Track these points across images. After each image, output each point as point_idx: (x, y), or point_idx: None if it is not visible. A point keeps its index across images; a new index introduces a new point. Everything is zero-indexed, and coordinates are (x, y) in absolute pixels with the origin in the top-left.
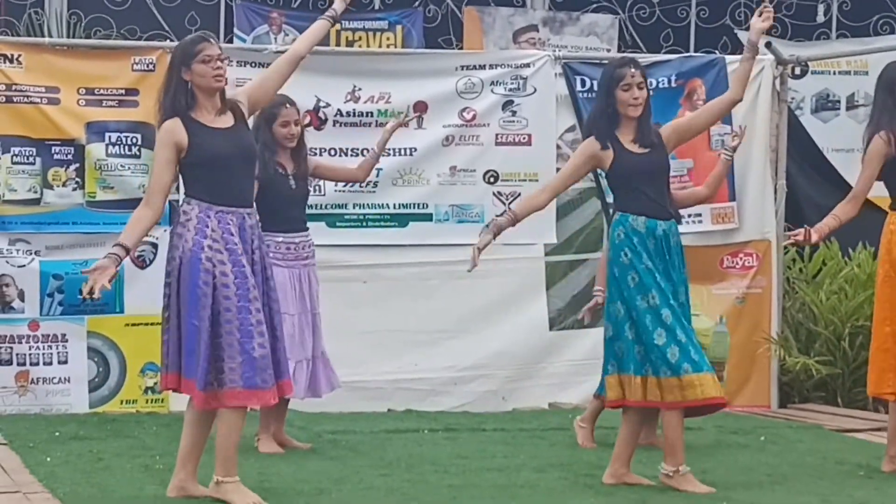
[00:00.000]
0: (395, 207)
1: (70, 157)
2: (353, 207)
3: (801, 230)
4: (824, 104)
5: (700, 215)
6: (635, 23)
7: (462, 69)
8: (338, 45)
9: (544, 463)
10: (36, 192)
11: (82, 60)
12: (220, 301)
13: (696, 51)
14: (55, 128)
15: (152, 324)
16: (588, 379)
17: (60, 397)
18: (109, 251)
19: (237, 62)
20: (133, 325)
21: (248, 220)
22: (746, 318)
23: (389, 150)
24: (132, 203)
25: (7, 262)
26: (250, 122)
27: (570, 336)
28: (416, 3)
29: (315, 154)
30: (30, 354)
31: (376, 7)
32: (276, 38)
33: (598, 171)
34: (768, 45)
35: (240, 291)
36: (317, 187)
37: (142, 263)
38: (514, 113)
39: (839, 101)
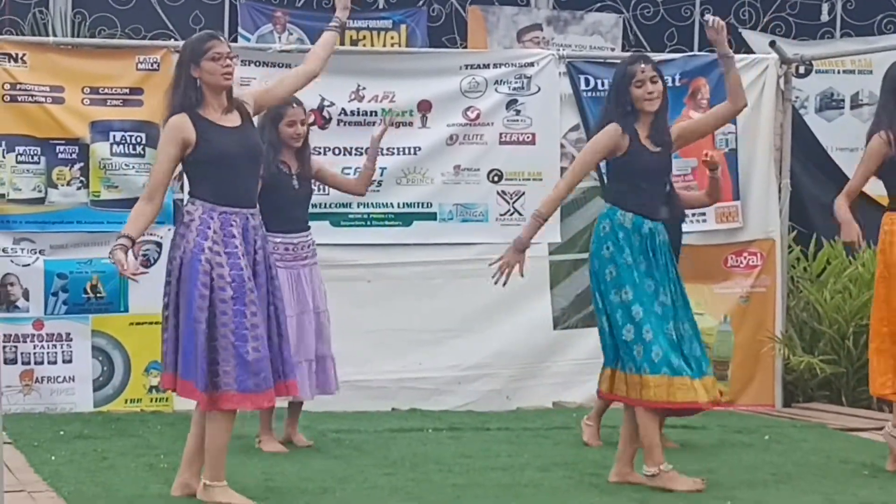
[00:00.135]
0: (399, 206)
1: (74, 156)
2: (358, 206)
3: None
4: (828, 103)
5: (704, 214)
6: (639, 22)
7: (466, 68)
8: (342, 44)
9: (548, 462)
10: (40, 191)
11: (87, 60)
12: (216, 303)
13: (700, 50)
14: (59, 127)
15: (157, 323)
16: (592, 378)
17: (65, 396)
18: (115, 243)
19: (241, 61)
20: (137, 324)
21: (252, 221)
22: (750, 318)
23: (394, 149)
24: (136, 202)
25: (12, 262)
26: (255, 120)
27: (574, 335)
28: (420, 3)
29: (319, 153)
30: (34, 353)
31: (380, 6)
32: (280, 38)
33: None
34: (772, 44)
35: (236, 295)
36: (321, 186)
37: (146, 262)
38: (518, 112)
39: (843, 100)
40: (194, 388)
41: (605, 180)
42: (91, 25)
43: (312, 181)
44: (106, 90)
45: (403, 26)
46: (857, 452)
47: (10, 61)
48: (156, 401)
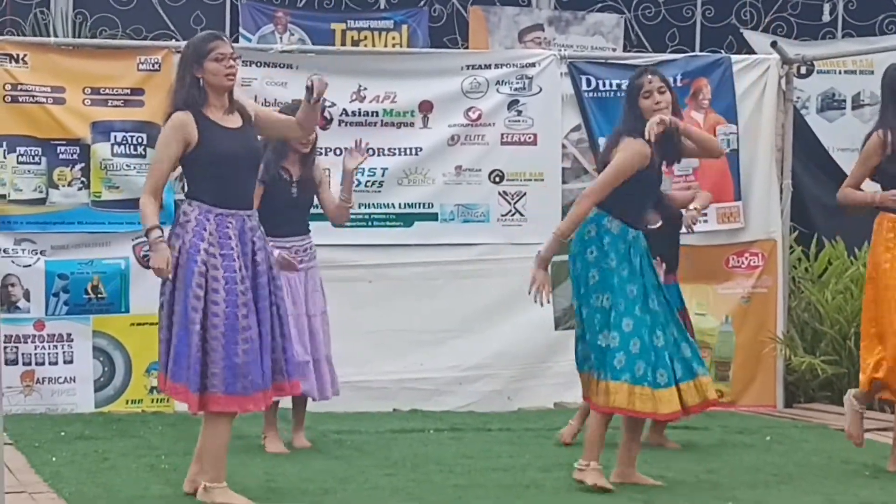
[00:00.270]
0: (400, 207)
1: (75, 156)
2: (359, 207)
3: None
4: (830, 103)
5: (706, 214)
6: (641, 22)
7: (467, 69)
8: (343, 44)
9: (550, 462)
10: (41, 191)
11: (88, 60)
12: (209, 304)
13: (701, 50)
14: (61, 127)
15: (157, 323)
16: None
17: (66, 397)
18: (152, 238)
19: (242, 61)
20: (138, 324)
21: (249, 223)
22: (752, 318)
23: (395, 149)
24: (137, 203)
25: (13, 262)
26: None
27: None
28: (422, 3)
29: (320, 153)
30: (35, 354)
31: (382, 7)
32: (281, 38)
33: None
34: (774, 44)
35: (227, 296)
36: None
37: (147, 263)
38: (519, 112)
39: (845, 101)
40: (185, 390)
41: None
42: (92, 26)
43: (315, 188)
44: (107, 91)
45: (405, 27)
46: (858, 453)
47: (11, 62)
48: (157, 401)
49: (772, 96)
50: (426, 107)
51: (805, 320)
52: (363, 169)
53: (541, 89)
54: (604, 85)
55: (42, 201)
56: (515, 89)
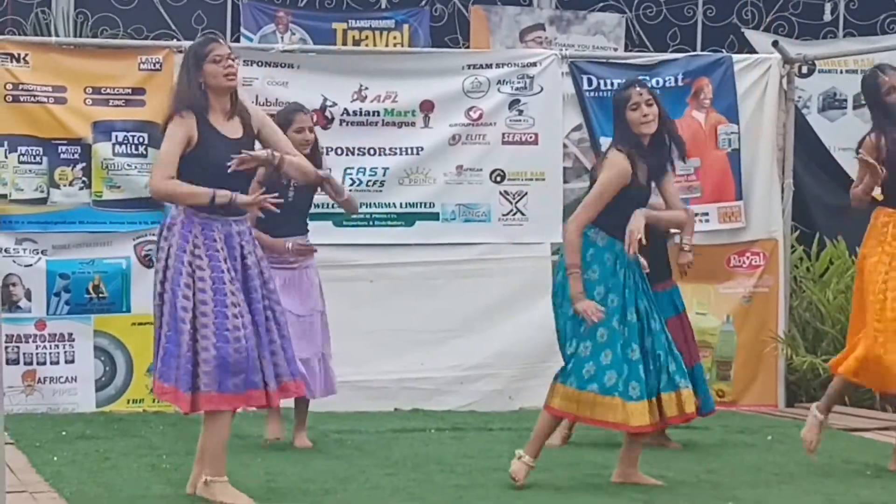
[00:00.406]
0: (401, 206)
1: (77, 156)
2: (360, 206)
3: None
4: (831, 103)
5: (707, 214)
6: (642, 21)
7: (469, 68)
8: (344, 44)
9: (551, 462)
10: (42, 191)
11: (89, 60)
12: (197, 305)
13: (702, 50)
14: (62, 127)
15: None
16: None
17: (67, 396)
18: (220, 199)
19: (244, 61)
20: (140, 324)
21: (236, 227)
22: (753, 317)
23: (396, 149)
24: (139, 202)
25: (14, 262)
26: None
27: None
28: (423, 2)
29: (322, 153)
30: (36, 354)
31: (383, 6)
32: (282, 38)
33: None
34: (775, 43)
35: (216, 297)
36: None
37: (148, 263)
38: (520, 112)
39: (846, 100)
40: (173, 390)
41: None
42: (93, 25)
43: (315, 188)
44: (108, 90)
45: (406, 26)
46: (859, 452)
47: (12, 61)
48: (158, 401)
49: (773, 96)
50: (427, 106)
51: (806, 320)
52: (364, 168)
53: (542, 89)
54: (605, 84)
55: (43, 201)
56: (516, 89)
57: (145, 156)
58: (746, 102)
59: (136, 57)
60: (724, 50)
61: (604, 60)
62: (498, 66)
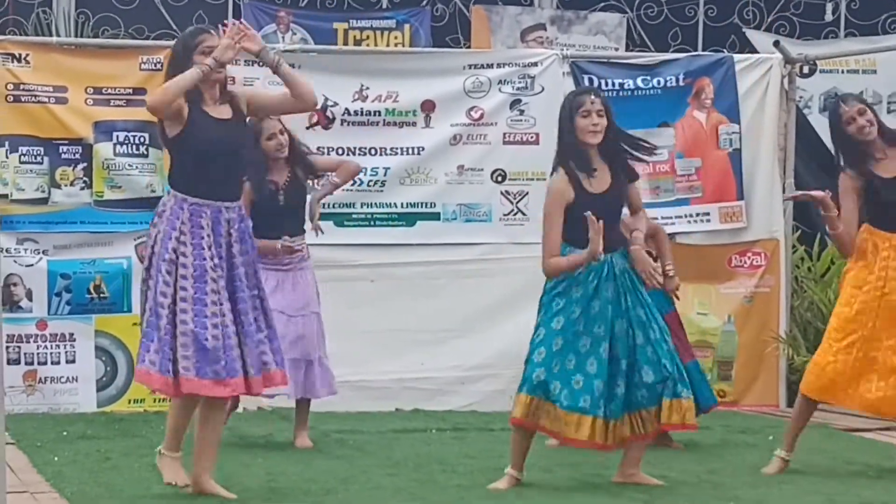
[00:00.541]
0: (402, 206)
1: (78, 156)
2: (361, 206)
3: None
4: (832, 103)
5: (708, 214)
6: (643, 21)
7: (470, 68)
8: (345, 44)
9: (552, 463)
10: (44, 191)
11: (90, 60)
12: (178, 291)
13: (703, 50)
14: (63, 127)
15: None
16: None
17: (68, 396)
18: (209, 62)
19: (245, 61)
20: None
21: (226, 214)
22: (755, 318)
23: (397, 149)
24: (140, 202)
25: (15, 262)
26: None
27: None
28: (424, 2)
29: (323, 153)
30: (38, 354)
31: (384, 6)
32: (283, 37)
33: None
34: (776, 43)
35: (196, 284)
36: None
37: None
38: (521, 112)
39: None
40: (146, 371)
41: None
42: (94, 25)
43: (308, 186)
44: (109, 90)
45: (407, 26)
46: (861, 453)
47: (13, 61)
48: (159, 401)
49: (774, 96)
50: (428, 106)
51: (808, 320)
52: (365, 168)
53: (543, 89)
54: (606, 84)
55: (44, 201)
56: (518, 89)
57: (146, 156)
58: (748, 102)
59: (137, 57)
60: (725, 50)
61: (605, 60)
62: (499, 65)
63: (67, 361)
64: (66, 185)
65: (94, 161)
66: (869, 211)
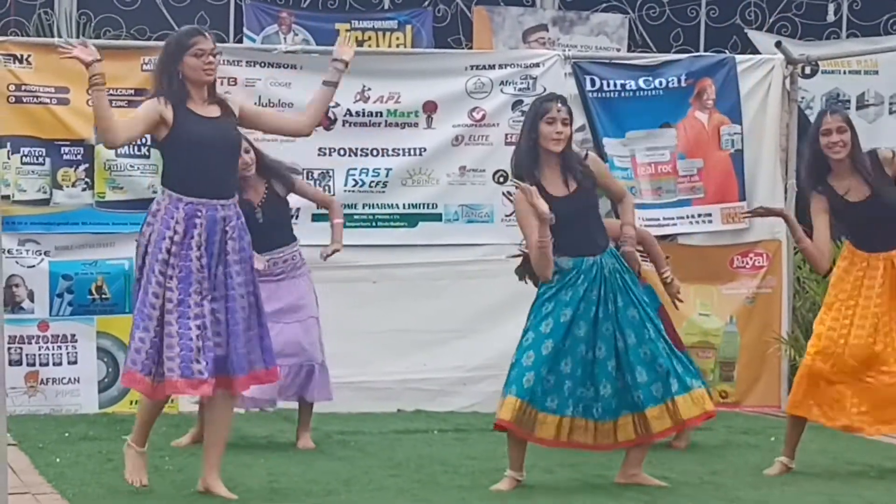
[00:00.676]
0: (404, 207)
1: (79, 157)
2: (363, 207)
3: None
4: (834, 103)
5: (710, 215)
6: (645, 22)
7: (471, 69)
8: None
9: (554, 463)
10: (45, 192)
11: None
12: (166, 292)
13: (705, 50)
14: (64, 128)
15: None
16: None
17: (70, 398)
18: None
19: (246, 62)
20: None
21: (221, 212)
22: (756, 318)
23: (399, 150)
24: (142, 203)
25: (17, 263)
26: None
27: None
28: (426, 3)
29: (324, 154)
30: (39, 355)
31: (386, 7)
32: (285, 38)
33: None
34: (778, 44)
35: (181, 285)
36: (327, 187)
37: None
38: (523, 113)
39: (849, 101)
40: (129, 372)
41: None
42: (96, 26)
43: (286, 200)
44: (111, 91)
45: (409, 27)
46: (862, 454)
47: (15, 62)
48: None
49: (776, 96)
50: (430, 107)
51: (810, 320)
52: (367, 169)
53: (545, 89)
54: (608, 85)
55: (46, 202)
56: (519, 89)
57: (148, 157)
58: (749, 103)
59: (139, 58)
60: (727, 50)
61: (607, 61)
62: (501, 66)
63: (69, 362)
64: (67, 186)
65: (95, 162)
66: (840, 230)
